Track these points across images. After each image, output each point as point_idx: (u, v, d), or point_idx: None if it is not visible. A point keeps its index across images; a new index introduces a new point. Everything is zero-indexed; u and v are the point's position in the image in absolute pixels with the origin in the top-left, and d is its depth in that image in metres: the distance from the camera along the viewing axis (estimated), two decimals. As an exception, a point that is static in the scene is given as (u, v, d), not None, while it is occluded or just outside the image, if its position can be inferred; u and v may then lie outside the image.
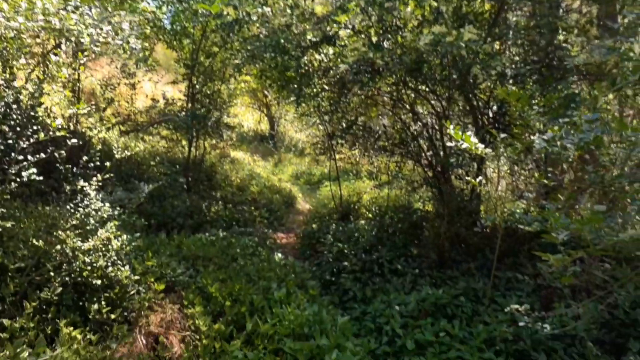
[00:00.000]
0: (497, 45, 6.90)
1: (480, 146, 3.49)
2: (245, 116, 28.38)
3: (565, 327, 3.61)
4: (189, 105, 9.57)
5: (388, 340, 4.99)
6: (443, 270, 6.32)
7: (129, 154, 5.36)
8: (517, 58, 6.65)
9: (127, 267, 4.24)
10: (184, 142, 11.19)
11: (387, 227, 7.44)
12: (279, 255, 7.04)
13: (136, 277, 4.31)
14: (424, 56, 5.70)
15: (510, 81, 6.27)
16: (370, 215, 9.20)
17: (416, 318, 5.25)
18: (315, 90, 7.40)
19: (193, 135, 9.73)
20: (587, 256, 5.71)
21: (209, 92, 10.59)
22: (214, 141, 11.31)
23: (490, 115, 7.30)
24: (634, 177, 4.25)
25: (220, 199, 9.73)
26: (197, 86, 10.02)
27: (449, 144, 6.46)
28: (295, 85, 6.99)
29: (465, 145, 3.47)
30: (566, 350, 4.52)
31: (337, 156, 10.00)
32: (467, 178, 7.41)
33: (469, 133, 6.48)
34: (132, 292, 4.20)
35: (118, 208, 4.66)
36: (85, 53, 5.85)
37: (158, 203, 7.90)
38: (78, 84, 8.39)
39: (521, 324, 3.77)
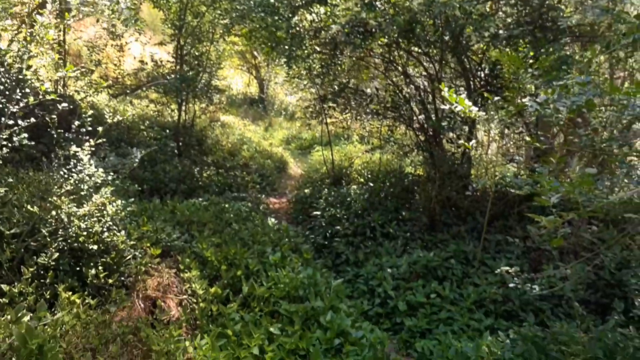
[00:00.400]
0: (488, 8, 6.81)
1: (474, 109, 3.49)
2: (234, 79, 27.97)
3: (553, 288, 3.72)
4: (178, 67, 9.38)
5: (380, 302, 5.12)
6: (434, 233, 6.43)
7: (120, 118, 5.29)
8: (509, 19, 6.57)
9: (122, 232, 4.26)
10: (173, 106, 11.05)
11: (379, 191, 7.51)
12: (273, 220, 7.09)
13: (132, 242, 4.33)
14: (417, 16, 5.62)
15: (503, 42, 6.23)
16: (362, 179, 9.24)
17: (408, 280, 5.38)
18: (306, 51, 7.29)
19: (182, 99, 9.59)
20: (576, 219, 5.85)
21: (197, 53, 10.38)
22: (203, 105, 11.16)
23: (483, 77, 7.27)
24: (624, 139, 4.31)
25: (212, 164, 9.70)
26: (186, 47, 9.80)
27: (442, 107, 6.45)
28: (286, 47, 6.87)
29: (459, 108, 3.47)
30: (553, 310, 4.69)
31: (329, 120, 9.94)
32: (459, 142, 7.45)
33: (462, 96, 6.47)
34: (128, 257, 4.22)
35: (111, 173, 4.63)
36: (72, 13, 5.68)
37: (150, 168, 7.86)
38: (64, 46, 8.19)
39: (510, 285, 3.88)
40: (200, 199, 6.83)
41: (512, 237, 6.19)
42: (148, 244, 4.54)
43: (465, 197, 6.60)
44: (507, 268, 3.67)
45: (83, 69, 8.22)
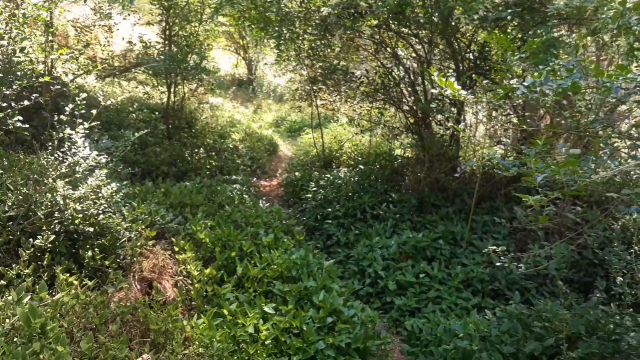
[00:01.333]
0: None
1: (463, 92, 3.57)
2: (222, 59, 27.68)
3: (538, 267, 3.86)
4: (167, 48, 9.30)
5: (371, 282, 5.25)
6: (423, 214, 6.56)
7: (113, 101, 5.29)
8: (497, 1, 6.62)
9: (117, 214, 4.31)
10: (162, 88, 10.99)
11: (369, 174, 7.60)
12: (264, 202, 7.17)
13: (127, 225, 4.39)
14: (407, -2, 5.66)
15: (492, 25, 6.29)
16: (352, 162, 9.33)
17: (397, 261, 5.51)
18: (296, 33, 7.28)
19: (172, 81, 9.54)
20: (561, 199, 6.01)
21: (186, 34, 10.29)
22: (192, 86, 11.10)
23: (471, 59, 7.34)
24: (608, 121, 4.43)
25: (202, 147, 9.70)
26: (174, 28, 9.71)
27: (431, 90, 6.51)
28: (276, 28, 6.86)
29: (448, 92, 3.54)
30: (538, 289, 4.85)
31: (318, 102, 9.96)
32: (448, 124, 7.55)
33: (451, 79, 6.55)
34: (123, 239, 4.28)
35: (105, 156, 4.65)
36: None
37: (141, 151, 7.86)
38: (51, 27, 8.07)
39: (497, 264, 4.01)
40: (192, 182, 6.86)
41: (499, 217, 6.34)
42: (143, 226, 4.60)
43: (453, 179, 6.73)
44: (494, 247, 3.79)
45: (71, 51, 8.15)
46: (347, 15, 6.07)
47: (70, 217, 3.91)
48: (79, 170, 4.19)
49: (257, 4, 7.12)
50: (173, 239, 4.75)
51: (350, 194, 7.18)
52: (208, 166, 8.61)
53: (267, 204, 7.36)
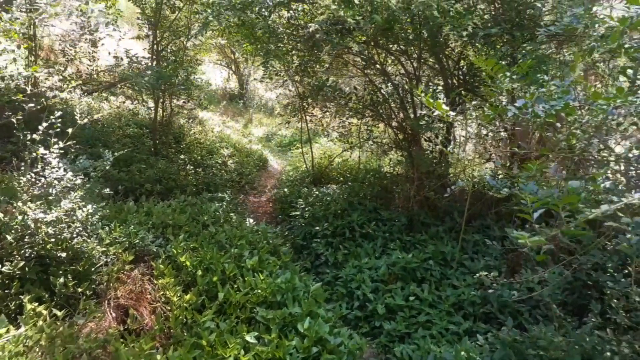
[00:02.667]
0: (465, 5, 6.79)
1: (452, 114, 3.45)
2: (213, 74, 27.63)
3: (532, 294, 3.72)
4: (154, 63, 9.17)
5: (359, 305, 5.08)
6: (412, 233, 6.41)
7: (92, 119, 5.13)
8: (486, 16, 6.57)
9: (93, 238, 4.12)
10: (150, 103, 10.84)
11: (359, 191, 7.46)
12: (251, 220, 7.00)
13: (103, 249, 4.21)
14: (396, 15, 5.56)
15: (481, 41, 6.23)
16: (342, 178, 9.20)
17: (386, 282, 5.34)
18: (284, 49, 7.18)
19: (159, 96, 9.40)
20: (554, 221, 5.86)
21: (174, 49, 10.18)
22: (181, 102, 10.97)
23: (460, 76, 7.27)
24: (601, 141, 4.33)
25: (190, 163, 9.52)
26: (162, 43, 9.60)
27: (421, 112, 6.41)
28: (264, 44, 6.75)
29: (436, 113, 3.42)
30: (531, 312, 4.70)
31: (308, 118, 9.85)
32: (437, 140, 7.45)
33: (440, 97, 6.45)
34: (99, 264, 4.10)
35: (82, 176, 4.47)
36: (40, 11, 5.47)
37: (125, 168, 7.67)
38: (34, 41, 7.92)
39: (490, 291, 3.87)
40: (176, 200, 6.67)
41: (489, 237, 6.22)
42: (120, 250, 4.41)
43: (443, 197, 6.60)
44: (485, 273, 3.64)
45: (52, 66, 7.99)
46: (335, 31, 5.97)
47: (41, 241, 3.73)
48: (53, 192, 4.01)
49: (244, 20, 7.02)
50: (152, 263, 4.56)
51: (339, 212, 7.02)
52: (195, 183, 8.43)
53: (254, 222, 7.19)
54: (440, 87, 7.85)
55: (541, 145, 5.78)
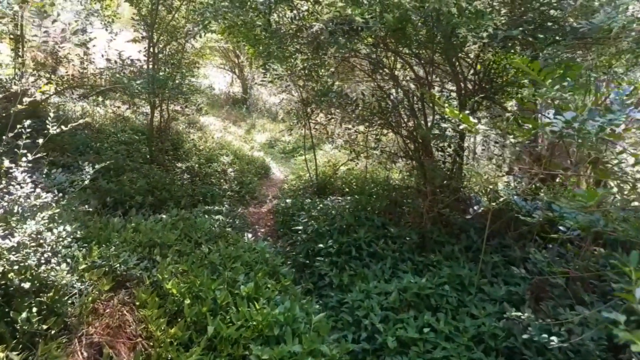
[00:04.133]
0: (483, 5, 6.29)
1: (481, 127, 2.94)
2: (217, 78, 27.22)
3: (573, 340, 3.18)
4: (150, 66, 8.70)
5: (367, 336, 4.54)
6: (425, 253, 5.88)
7: (81, 121, 4.63)
8: (502, 19, 6.06)
9: (65, 264, 3.61)
10: (146, 109, 10.37)
11: (365, 205, 6.92)
12: (249, 236, 6.50)
13: (77, 276, 3.69)
14: (409, 14, 5.05)
15: (500, 44, 5.72)
16: (347, 189, 8.68)
17: (397, 310, 4.81)
18: (287, 52, 6.68)
19: (154, 101, 8.92)
20: (581, 238, 5.30)
21: (172, 51, 9.71)
22: (178, 107, 10.49)
23: (476, 81, 6.74)
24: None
25: (186, 171, 9.03)
26: (159, 45, 9.14)
27: (433, 117, 5.89)
28: (265, 46, 6.26)
29: (462, 126, 2.92)
30: (561, 347, 4.14)
31: (312, 124, 9.34)
32: (449, 150, 6.94)
33: (453, 104, 5.92)
34: (72, 294, 3.59)
35: (56, 192, 3.97)
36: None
37: (115, 178, 7.18)
38: (22, 41, 7.48)
39: (525, 336, 3.33)
40: (168, 215, 6.16)
41: (510, 258, 5.70)
42: (97, 276, 3.90)
43: (459, 214, 6.08)
44: (515, 314, 3.11)
45: (39, 68, 7.53)
46: (341, 32, 5.46)
47: (1, 270, 3.22)
48: (18, 212, 3.51)
49: (243, 20, 6.54)
50: (134, 290, 4.05)
51: (344, 227, 6.50)
52: (191, 193, 7.93)
53: (253, 238, 6.69)
54: (452, 94, 7.34)
55: (576, 164, 5.24)
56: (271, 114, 22.89)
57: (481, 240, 6.17)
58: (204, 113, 12.33)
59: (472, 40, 5.35)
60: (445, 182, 5.88)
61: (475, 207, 4.02)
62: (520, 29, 5.40)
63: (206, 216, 6.55)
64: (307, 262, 6.28)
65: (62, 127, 4.09)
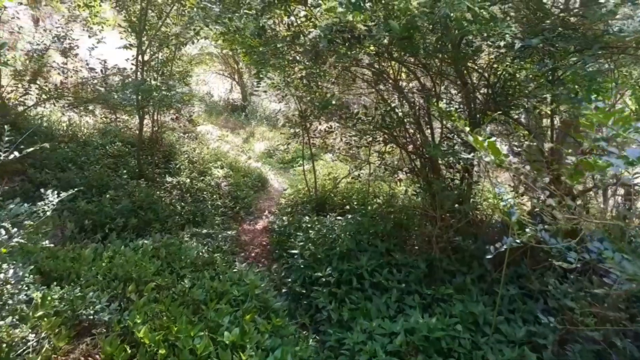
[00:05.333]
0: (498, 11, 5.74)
1: (512, 160, 2.40)
2: (216, 84, 26.74)
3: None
4: (139, 75, 8.17)
5: (370, 389, 3.97)
6: (434, 284, 5.31)
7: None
8: (517, 27, 5.51)
9: (10, 317, 3.06)
10: (132, 119, 9.85)
11: (368, 227, 6.35)
12: (240, 264, 5.93)
13: (27, 329, 3.14)
14: (416, 20, 4.50)
15: (517, 53, 5.19)
16: (347, 206, 8.11)
17: (404, 355, 4.23)
18: (284, 61, 6.14)
19: (143, 112, 8.39)
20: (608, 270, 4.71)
21: (163, 59, 9.19)
22: (168, 117, 9.97)
23: (489, 94, 6.19)
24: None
25: (177, 187, 8.48)
26: (149, 52, 8.61)
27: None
28: (259, 54, 5.72)
29: (488, 158, 2.37)
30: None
31: (311, 135, 8.77)
32: (457, 167, 6.39)
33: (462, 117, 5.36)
34: (21, 351, 3.04)
35: (8, 227, 3.42)
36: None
37: (97, 197, 6.63)
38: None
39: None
40: (151, 240, 5.60)
41: (527, 291, 5.14)
42: (55, 326, 3.34)
43: (470, 238, 5.51)
44: None
45: (20, 78, 7.01)
46: (342, 40, 4.92)
47: None
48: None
49: (237, 26, 6.01)
50: (100, 341, 3.49)
51: (344, 253, 5.93)
52: (179, 213, 7.35)
53: (245, 263, 6.14)
54: (459, 105, 6.79)
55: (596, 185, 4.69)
56: (271, 122, 22.35)
57: (495, 269, 5.62)
58: (197, 123, 11.78)
59: (488, 50, 4.81)
60: (456, 205, 5.31)
61: (497, 245, 3.45)
62: (540, 37, 4.86)
63: (193, 241, 5.99)
64: (304, 291, 5.72)
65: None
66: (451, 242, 5.47)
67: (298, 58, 6.56)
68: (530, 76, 5.50)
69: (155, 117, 9.51)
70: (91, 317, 3.65)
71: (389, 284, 5.29)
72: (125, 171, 8.10)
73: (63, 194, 4.03)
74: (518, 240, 3.58)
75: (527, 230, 3.20)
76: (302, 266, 6.10)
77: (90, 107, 9.97)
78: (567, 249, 3.11)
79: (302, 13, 6.29)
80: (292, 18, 6.23)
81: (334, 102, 6.38)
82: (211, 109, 21.72)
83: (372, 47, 5.17)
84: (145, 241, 5.49)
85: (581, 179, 2.27)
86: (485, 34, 4.85)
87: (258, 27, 5.17)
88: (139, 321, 3.67)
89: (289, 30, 6.17)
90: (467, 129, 2.51)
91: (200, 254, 5.59)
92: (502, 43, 4.55)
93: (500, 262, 5.70)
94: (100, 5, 9.32)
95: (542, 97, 5.61)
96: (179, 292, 4.45)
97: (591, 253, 3.07)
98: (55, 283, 3.97)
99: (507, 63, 5.25)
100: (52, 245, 3.80)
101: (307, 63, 6.37)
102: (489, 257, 3.42)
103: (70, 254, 4.75)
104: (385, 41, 5.18)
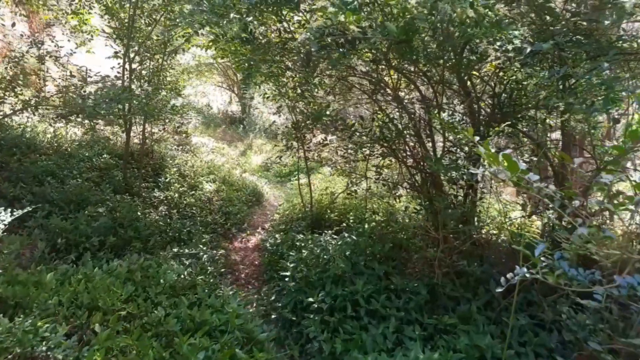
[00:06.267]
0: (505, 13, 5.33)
1: (534, 178, 1.97)
2: (216, 96, 26.48)
3: None
4: (124, 84, 7.77)
5: None
6: (436, 312, 4.84)
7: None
8: (525, 32, 5.10)
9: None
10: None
11: (364, 248, 5.87)
12: (227, 285, 5.46)
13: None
14: (416, 23, 4.09)
15: (526, 60, 4.77)
16: (344, 223, 7.64)
17: (403, 397, 3.75)
18: (274, 68, 5.74)
19: (129, 123, 7.99)
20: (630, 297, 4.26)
21: (153, 68, 8.82)
22: (160, 128, 9.57)
23: (495, 104, 5.76)
24: None
25: (164, 202, 8.03)
26: (137, 59, 8.24)
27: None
28: (246, 61, 5.32)
29: (503, 175, 1.94)
30: None
31: (306, 149, 8.34)
32: (461, 182, 5.93)
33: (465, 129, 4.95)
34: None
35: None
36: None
37: (74, 213, 6.18)
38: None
39: None
40: (127, 261, 5.13)
41: (539, 320, 4.67)
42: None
43: (475, 260, 5.04)
44: None
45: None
46: (335, 45, 4.51)
47: None
48: None
49: (224, 30, 5.62)
50: (50, 384, 3.03)
51: (339, 276, 5.46)
52: (164, 229, 6.90)
53: (231, 287, 5.68)
54: (462, 117, 6.37)
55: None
56: (270, 134, 22.00)
57: (503, 295, 5.14)
58: (188, 134, 11.36)
59: (495, 55, 4.40)
60: (460, 225, 4.85)
61: (509, 276, 2.99)
62: (552, 42, 4.45)
63: (174, 262, 5.53)
64: (294, 318, 5.25)
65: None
66: (455, 265, 5.00)
67: (290, 65, 6.17)
68: (540, 85, 5.10)
69: (144, 129, 9.10)
70: (44, 354, 3.18)
71: (386, 312, 4.81)
72: (109, 185, 7.67)
73: (17, 212, 3.62)
74: (533, 271, 3.13)
75: (543, 260, 2.75)
76: (293, 290, 5.63)
77: (77, 118, 9.62)
78: (591, 281, 2.66)
79: (296, 18, 5.91)
80: (285, 24, 5.85)
81: (328, 113, 5.96)
82: (209, 121, 21.41)
83: (368, 54, 4.75)
84: (121, 262, 5.03)
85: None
86: (491, 38, 4.45)
87: (243, 29, 4.76)
88: (98, 359, 3.20)
89: (280, 37, 5.79)
90: (477, 138, 2.08)
91: (182, 276, 5.12)
92: (510, 47, 4.14)
93: (509, 287, 5.25)
94: (89, 13, 9.00)
95: (552, 108, 5.20)
96: (152, 322, 3.99)
97: (621, 289, 2.62)
98: (11, 312, 3.53)
99: (515, 69, 4.83)
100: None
101: (299, 70, 5.97)
102: (499, 290, 2.95)
103: (34, 277, 4.29)
104: (383, 47, 4.78)
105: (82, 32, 9.15)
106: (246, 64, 5.84)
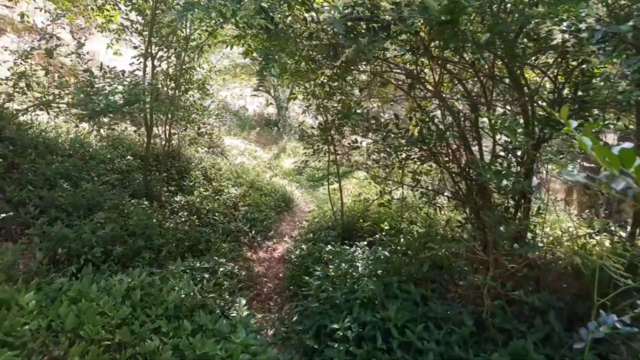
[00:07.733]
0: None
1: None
2: (252, 99, 26.24)
3: None
4: (146, 83, 7.32)
5: None
6: (483, 347, 4.04)
7: None
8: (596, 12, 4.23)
9: None
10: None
11: (399, 267, 5.12)
12: (244, 302, 4.82)
13: None
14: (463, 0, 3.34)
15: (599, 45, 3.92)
16: (377, 234, 6.89)
17: None
18: (298, 63, 5.09)
19: (150, 123, 7.53)
20: None
21: (180, 66, 8.35)
22: (181, 129, 9.11)
23: (555, 99, 4.90)
24: None
25: (185, 208, 7.51)
26: (160, 54, 7.78)
27: (493, 147, 4.11)
28: (265, 49, 4.70)
29: (623, 184, 1.24)
30: None
31: (335, 152, 7.65)
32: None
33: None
34: None
35: None
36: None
37: (82, 219, 5.71)
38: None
39: None
40: (127, 277, 4.56)
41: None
42: None
43: (537, 289, 4.22)
44: None
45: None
46: (365, 29, 3.81)
47: None
48: None
49: (250, 23, 5.03)
50: None
51: (368, 299, 4.74)
52: (182, 237, 6.35)
53: (247, 306, 5.04)
54: (514, 117, 5.52)
55: None
56: (304, 136, 21.47)
57: (564, 327, 4.29)
58: (218, 136, 10.89)
59: (562, 37, 3.58)
60: (515, 245, 4.03)
61: (590, 326, 2.22)
62: (630, 24, 3.59)
63: (185, 276, 4.94)
64: (317, 346, 4.56)
65: None
66: (508, 294, 4.19)
67: (320, 59, 5.50)
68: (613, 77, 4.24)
69: (168, 129, 8.65)
70: (3, 397, 2.63)
71: (423, 345, 4.05)
72: (128, 189, 7.22)
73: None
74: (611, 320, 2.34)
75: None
76: (316, 312, 4.94)
77: (102, 118, 9.29)
78: None
79: (327, 7, 5.25)
80: (313, 13, 5.20)
81: (358, 111, 5.25)
82: (244, 123, 21.09)
83: (403, 36, 4.01)
84: (122, 277, 4.48)
85: None
86: (556, 18, 3.64)
87: (262, 13, 4.13)
88: (67, 406, 2.62)
89: (307, 27, 5.15)
90: (575, 123, 1.38)
91: (191, 294, 4.54)
92: (583, 26, 3.33)
93: (570, 316, 4.41)
94: (114, 9, 8.64)
95: (627, 104, 4.32)
96: (144, 353, 3.40)
97: None
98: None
99: (584, 57, 3.99)
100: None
101: (328, 65, 5.30)
102: (578, 346, 2.18)
103: (21, 295, 3.79)
104: (422, 31, 4.05)
105: (108, 30, 8.83)
106: (266, 54, 5.24)
